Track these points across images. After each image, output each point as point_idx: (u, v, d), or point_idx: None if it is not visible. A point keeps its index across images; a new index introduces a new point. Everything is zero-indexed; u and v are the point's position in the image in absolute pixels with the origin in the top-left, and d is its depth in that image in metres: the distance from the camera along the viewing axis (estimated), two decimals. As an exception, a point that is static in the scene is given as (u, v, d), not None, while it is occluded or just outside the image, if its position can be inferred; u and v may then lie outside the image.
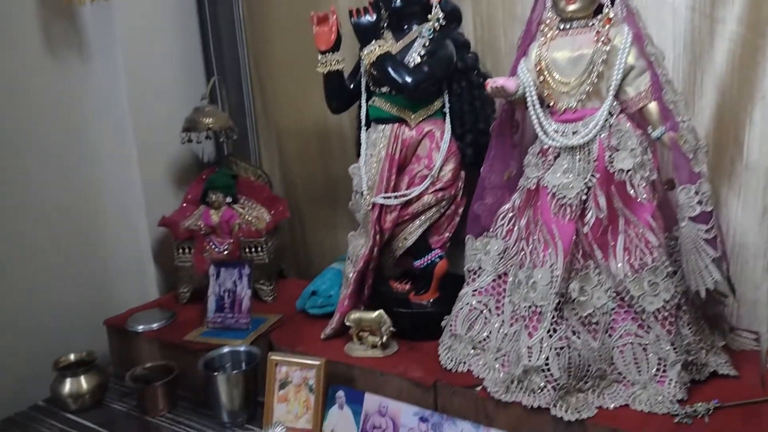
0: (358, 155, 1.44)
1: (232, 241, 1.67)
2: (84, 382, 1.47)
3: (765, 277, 1.30)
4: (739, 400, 1.08)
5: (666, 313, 1.11)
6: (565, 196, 1.15)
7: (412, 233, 1.39)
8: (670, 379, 1.11)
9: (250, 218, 1.74)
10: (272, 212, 1.75)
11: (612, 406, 1.11)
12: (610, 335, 1.15)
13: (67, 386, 1.46)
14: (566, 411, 1.09)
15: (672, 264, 1.13)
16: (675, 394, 1.10)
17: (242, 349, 1.44)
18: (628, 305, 1.14)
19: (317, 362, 1.29)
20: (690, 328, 1.14)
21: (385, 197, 1.35)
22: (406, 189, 1.36)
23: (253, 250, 1.68)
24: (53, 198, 1.63)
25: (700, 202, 1.07)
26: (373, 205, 1.35)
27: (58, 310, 1.63)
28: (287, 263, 1.90)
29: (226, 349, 1.44)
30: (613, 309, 1.15)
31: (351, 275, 1.41)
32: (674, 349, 1.11)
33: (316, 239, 1.92)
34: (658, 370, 1.12)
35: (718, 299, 1.22)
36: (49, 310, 1.62)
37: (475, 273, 1.33)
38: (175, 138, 1.72)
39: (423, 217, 1.38)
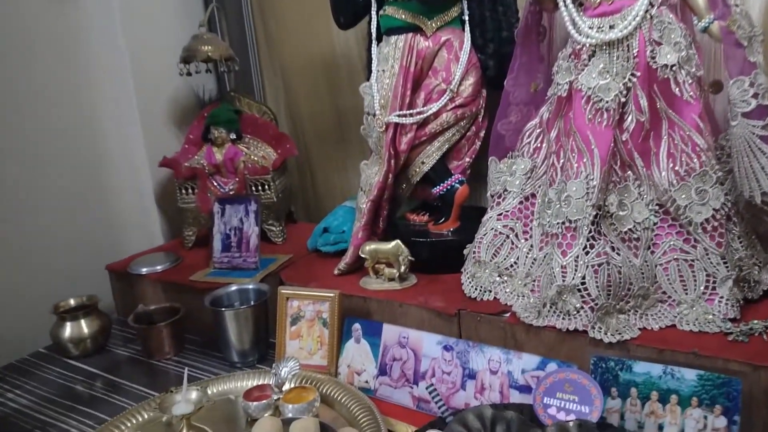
0: (369, 78, 1.33)
1: (237, 179, 1.57)
2: (85, 327, 1.39)
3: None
4: (797, 318, 0.98)
5: (716, 223, 1.00)
6: (601, 99, 1.03)
7: (430, 156, 1.28)
8: (721, 297, 1.01)
9: (255, 158, 1.64)
10: (279, 151, 1.65)
11: (657, 327, 1.01)
12: (652, 252, 1.05)
13: (68, 331, 1.38)
14: (606, 333, 0.99)
15: (721, 170, 1.01)
16: (726, 313, 0.99)
17: (251, 286, 1.36)
18: (672, 218, 1.04)
19: (331, 294, 1.20)
20: (741, 242, 1.04)
21: (399, 115, 1.24)
22: (423, 106, 1.24)
23: (260, 188, 1.58)
24: (53, 142, 1.54)
25: (755, 96, 0.95)
26: (387, 125, 1.25)
27: (61, 258, 1.56)
28: (296, 206, 1.80)
29: (233, 287, 1.35)
30: (655, 224, 1.05)
31: (364, 205, 1.31)
32: (725, 263, 1.00)
33: (325, 181, 1.82)
34: (706, 287, 1.02)
35: (770, 213, 1.11)
36: (52, 257, 1.54)
37: (499, 196, 1.22)
38: (173, 74, 1.62)
39: (441, 138, 1.27)
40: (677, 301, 1.03)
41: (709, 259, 1.01)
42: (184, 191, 1.59)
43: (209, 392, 1.15)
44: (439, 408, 0.80)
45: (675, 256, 1.04)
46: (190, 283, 1.42)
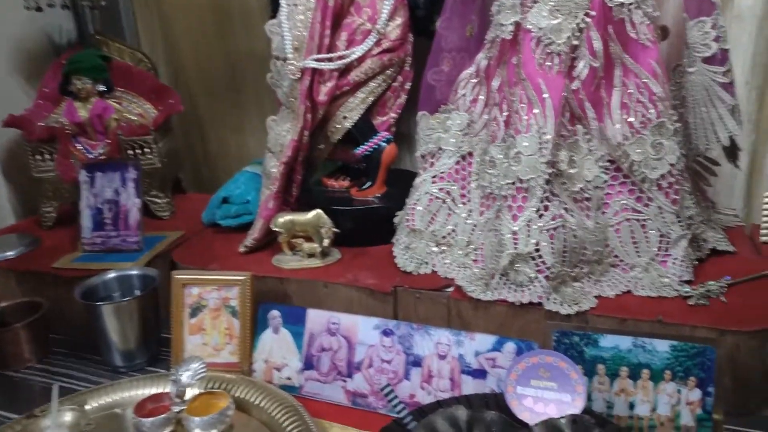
0: (273, 15, 1.10)
1: (108, 141, 1.29)
2: None
3: (746, 150, 1.18)
4: (743, 274, 0.94)
5: (672, 179, 0.93)
6: (552, 42, 0.91)
7: (353, 110, 1.09)
8: (675, 258, 0.94)
9: (131, 116, 1.36)
10: (160, 107, 1.37)
11: (612, 294, 0.93)
12: (603, 212, 0.96)
13: None
14: (562, 304, 0.89)
15: (678, 120, 0.94)
16: (681, 275, 0.93)
17: (134, 272, 1.11)
18: (623, 175, 0.95)
19: (241, 277, 0.99)
20: (692, 199, 0.98)
21: (317, 59, 1.03)
22: (345, 49, 1.05)
23: (138, 151, 1.30)
24: None
25: (717, 39, 0.88)
26: (302, 71, 1.04)
27: None
28: (185, 174, 1.54)
29: (111, 274, 1.10)
30: (605, 182, 0.96)
31: (276, 170, 1.10)
32: (679, 222, 0.94)
33: (219, 143, 1.57)
34: (660, 249, 0.95)
35: (710, 168, 1.07)
36: None
37: (432, 156, 1.08)
38: (17, 9, 1.28)
39: (366, 89, 1.09)
40: (630, 265, 0.96)
41: (663, 218, 0.94)
42: (38, 157, 1.28)
43: (88, 407, 0.91)
44: (398, 411, 0.65)
45: (627, 216, 0.95)
46: (54, 271, 1.14)
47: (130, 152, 1.30)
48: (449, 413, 0.62)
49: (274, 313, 0.99)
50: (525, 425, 0.65)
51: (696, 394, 0.78)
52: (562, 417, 0.60)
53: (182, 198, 1.47)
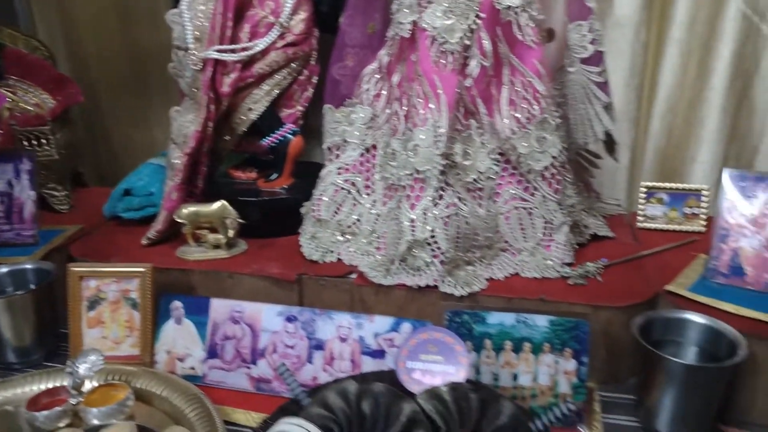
0: (175, 4, 1.10)
1: (1, 131, 1.22)
2: None
3: (627, 145, 1.29)
4: (619, 257, 1.04)
5: (554, 171, 1.00)
6: (446, 41, 0.96)
7: (258, 102, 1.11)
8: (558, 243, 1.02)
9: (27, 106, 1.30)
10: (58, 97, 1.32)
11: (502, 276, 1.00)
12: (494, 201, 1.03)
13: None
14: (456, 286, 0.95)
15: (559, 116, 1.02)
16: (563, 258, 1.02)
17: (29, 266, 1.07)
18: (512, 167, 1.02)
19: (141, 269, 0.98)
20: (573, 189, 1.07)
21: (219, 50, 1.04)
22: (248, 41, 1.06)
23: (35, 142, 1.25)
24: None
25: (593, 41, 0.97)
26: (204, 62, 1.04)
27: None
28: (86, 167, 1.49)
29: (4, 269, 1.06)
30: (497, 173, 1.02)
31: (179, 161, 1.10)
32: (561, 209, 1.02)
33: (122, 136, 1.53)
34: (544, 234, 1.03)
35: (592, 161, 1.17)
36: None
37: (338, 148, 1.11)
38: None
39: (271, 81, 1.11)
40: (518, 249, 1.03)
41: (546, 206, 1.02)
42: None
43: (-25, 406, 0.87)
44: (293, 390, 0.68)
45: (515, 205, 1.03)
46: (-64, 267, 1.08)
47: (26, 143, 1.25)
48: (340, 387, 0.66)
49: (177, 304, 0.98)
50: (412, 395, 0.69)
51: (572, 364, 0.86)
52: (444, 385, 0.65)
53: (83, 192, 1.42)
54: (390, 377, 0.75)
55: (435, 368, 0.73)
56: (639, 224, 1.18)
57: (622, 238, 1.13)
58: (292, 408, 0.69)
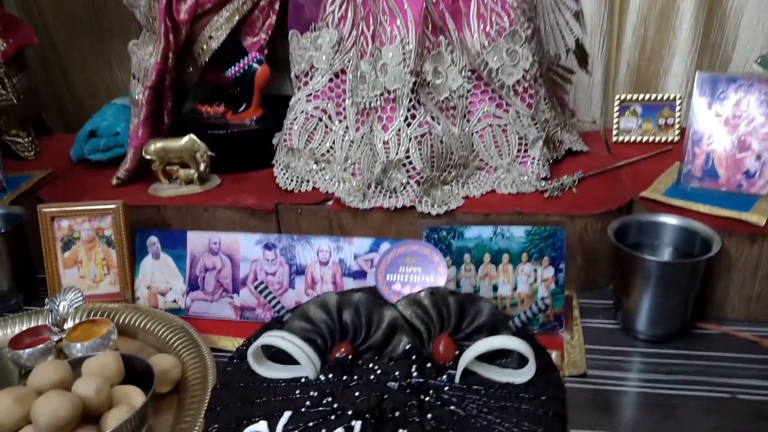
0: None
1: (-48, 77, 1.17)
2: None
3: (600, 61, 1.28)
4: (594, 170, 1.04)
5: (526, 84, 0.99)
6: (411, -48, 0.93)
7: (218, 29, 1.07)
8: (533, 158, 1.02)
9: (-24, 51, 1.24)
10: (10, 39, 1.26)
11: (478, 194, 1.00)
12: (468, 120, 1.02)
13: None
14: (433, 205, 0.95)
15: (529, 28, 1.00)
16: (539, 173, 1.02)
17: (-3, 212, 1.05)
18: (484, 84, 1.00)
19: (111, 205, 0.97)
20: (546, 104, 1.06)
21: (173, -26, 0.99)
22: (204, -36, 1.02)
23: (-10, 87, 1.20)
24: None
25: (561, -54, 0.93)
26: (159, -12, 1.00)
27: None
28: (49, 114, 1.44)
29: (-29, 216, 1.03)
30: (469, 91, 1.01)
31: (141, 95, 1.06)
32: (535, 124, 1.01)
33: (84, 80, 1.47)
34: (519, 150, 1.03)
35: (565, 77, 1.16)
36: None
37: (306, 75, 1.08)
38: None
39: (230, 7, 1.07)
40: (494, 167, 1.03)
41: (520, 121, 1.01)
42: None
43: (-45, 352, 0.86)
44: (273, 306, 0.68)
45: (489, 122, 1.02)
46: None
47: (-20, 88, 1.20)
48: (320, 300, 0.66)
49: (153, 239, 0.97)
50: (392, 304, 0.70)
51: (549, 272, 0.87)
52: (422, 291, 0.66)
53: (48, 139, 1.38)
54: (370, 291, 0.75)
55: (414, 279, 0.74)
56: (614, 138, 1.18)
57: (598, 152, 1.14)
58: (274, 325, 0.69)
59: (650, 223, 0.90)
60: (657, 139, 1.16)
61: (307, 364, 0.61)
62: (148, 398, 0.70)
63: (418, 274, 0.74)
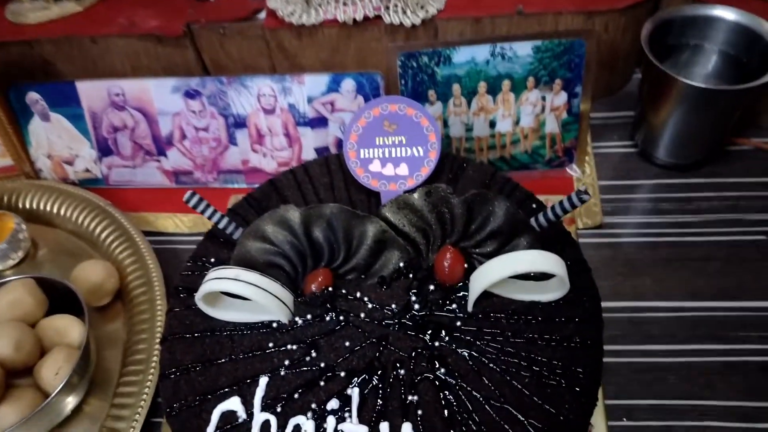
0: None
1: None
2: None
3: None
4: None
5: None
6: None
7: None
8: None
9: None
10: None
11: None
12: None
13: None
14: (405, 12, 0.70)
15: None
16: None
17: None
18: None
19: (-42, 55, 0.68)
20: None
21: None
22: None
23: None
24: None
25: None
26: None
27: None
28: None
29: None
30: None
31: None
32: None
33: None
34: None
35: None
36: None
37: None
38: None
39: None
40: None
41: None
42: None
43: None
44: (216, 221, 0.50)
45: None
46: None
47: None
48: (276, 216, 0.48)
49: (34, 96, 0.72)
50: (375, 195, 0.53)
51: (562, 98, 0.68)
52: (414, 191, 0.48)
53: None
54: (338, 161, 0.57)
55: (397, 153, 0.55)
56: None
57: None
58: (218, 251, 0.52)
59: (695, 18, 0.68)
60: None
61: (279, 308, 0.46)
62: (86, 338, 0.57)
63: (402, 145, 0.56)
